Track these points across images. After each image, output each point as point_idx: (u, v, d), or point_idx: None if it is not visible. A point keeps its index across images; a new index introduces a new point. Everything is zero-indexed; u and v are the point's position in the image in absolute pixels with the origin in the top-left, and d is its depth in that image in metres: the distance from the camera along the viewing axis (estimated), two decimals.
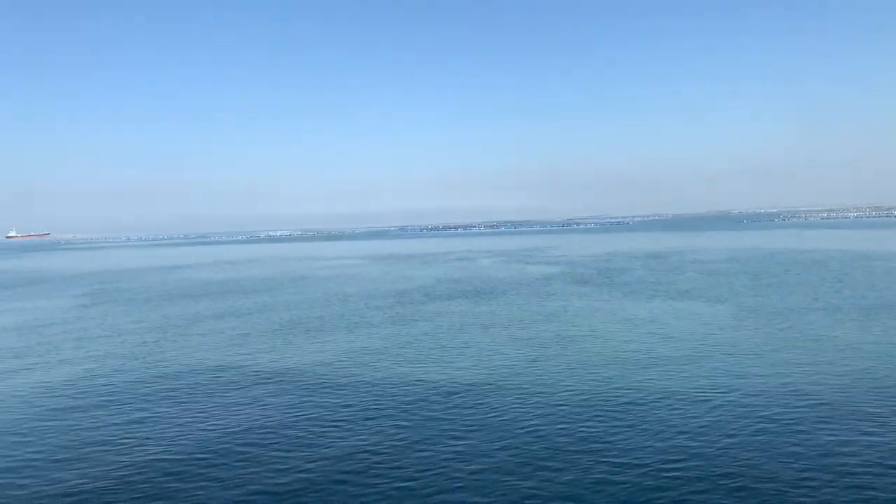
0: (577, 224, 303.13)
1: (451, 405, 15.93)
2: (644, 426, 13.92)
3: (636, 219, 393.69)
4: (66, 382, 19.83)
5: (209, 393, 18.10)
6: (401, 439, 13.42)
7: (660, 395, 16.21)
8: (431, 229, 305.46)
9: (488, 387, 17.62)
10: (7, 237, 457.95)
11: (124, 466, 12.56)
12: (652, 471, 11.55)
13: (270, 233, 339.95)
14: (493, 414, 15.28)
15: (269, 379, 19.43)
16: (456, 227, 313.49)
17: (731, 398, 15.85)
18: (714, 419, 14.27)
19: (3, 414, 16.66)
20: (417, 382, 18.19)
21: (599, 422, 14.32)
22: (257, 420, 15.22)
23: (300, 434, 14.07)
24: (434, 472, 11.71)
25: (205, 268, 78.18)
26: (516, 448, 12.78)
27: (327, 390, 17.83)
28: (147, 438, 14.26)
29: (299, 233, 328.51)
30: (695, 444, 12.75)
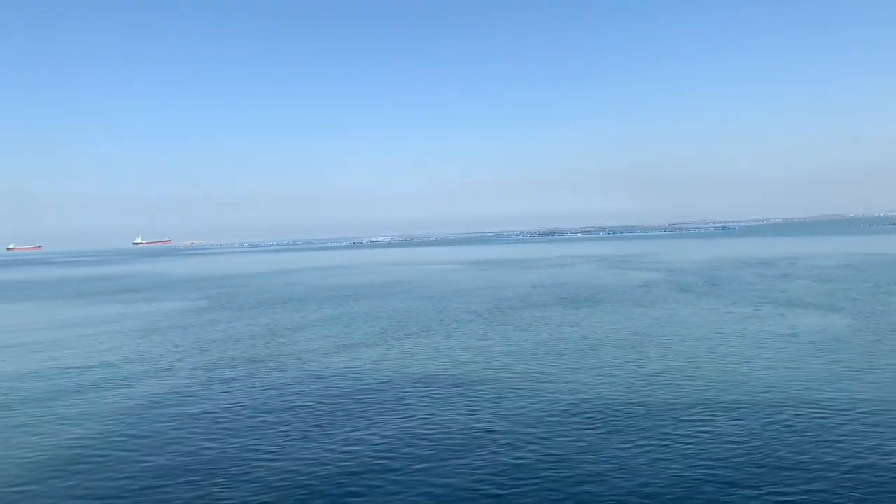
0: (679, 229, 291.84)
1: (576, 419, 15.71)
2: (760, 456, 12.75)
3: (741, 223, 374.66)
4: (188, 386, 21.29)
5: (330, 401, 18.29)
6: (545, 455, 13.04)
7: (778, 423, 14.96)
8: (527, 234, 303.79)
9: (598, 399, 17.34)
10: (134, 244, 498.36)
11: (274, 475, 12.70)
12: None
13: (372, 239, 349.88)
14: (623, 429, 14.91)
15: (384, 385, 19.59)
16: (552, 233, 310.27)
17: (855, 425, 14.91)
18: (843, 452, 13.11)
19: (139, 418, 17.92)
20: (537, 392, 17.99)
21: (712, 441, 13.67)
22: (394, 429, 15.15)
23: (442, 446, 13.88)
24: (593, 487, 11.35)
25: (310, 272, 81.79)
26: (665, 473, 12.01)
27: (439, 398, 17.85)
28: (279, 447, 14.53)
29: (398, 238, 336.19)
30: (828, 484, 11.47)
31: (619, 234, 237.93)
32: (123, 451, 14.51)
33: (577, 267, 71.30)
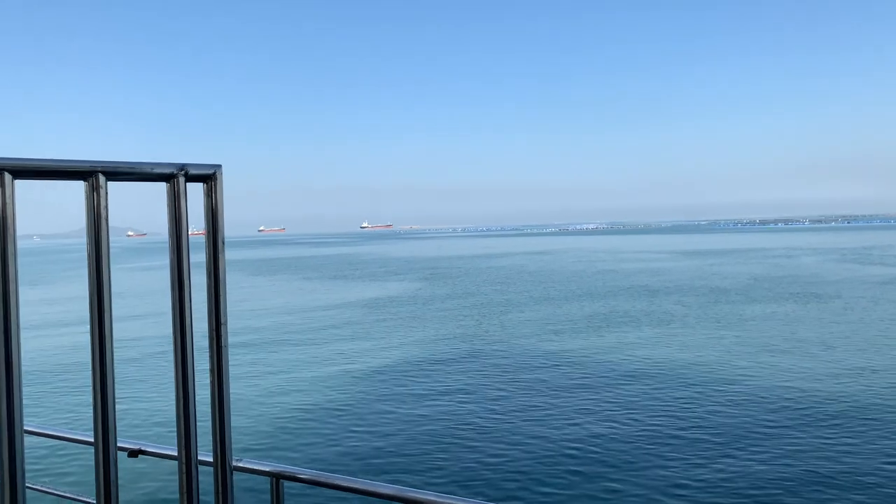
0: None
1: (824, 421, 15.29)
2: None
3: None
4: (411, 363, 24.58)
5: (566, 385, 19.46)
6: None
7: None
8: (746, 223, 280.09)
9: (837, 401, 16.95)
10: (361, 227, 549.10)
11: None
12: None
13: (578, 226, 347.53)
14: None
15: (605, 375, 20.37)
16: (776, 222, 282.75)
17: None
18: None
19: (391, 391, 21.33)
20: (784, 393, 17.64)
21: None
22: (636, 420, 15.18)
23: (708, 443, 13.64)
24: None
25: (519, 256, 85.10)
26: None
27: (652, 393, 18.03)
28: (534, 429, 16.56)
29: (606, 226, 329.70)
30: None
31: (855, 225, 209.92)
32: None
33: (806, 259, 65.80)
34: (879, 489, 11.03)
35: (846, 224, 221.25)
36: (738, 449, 13.05)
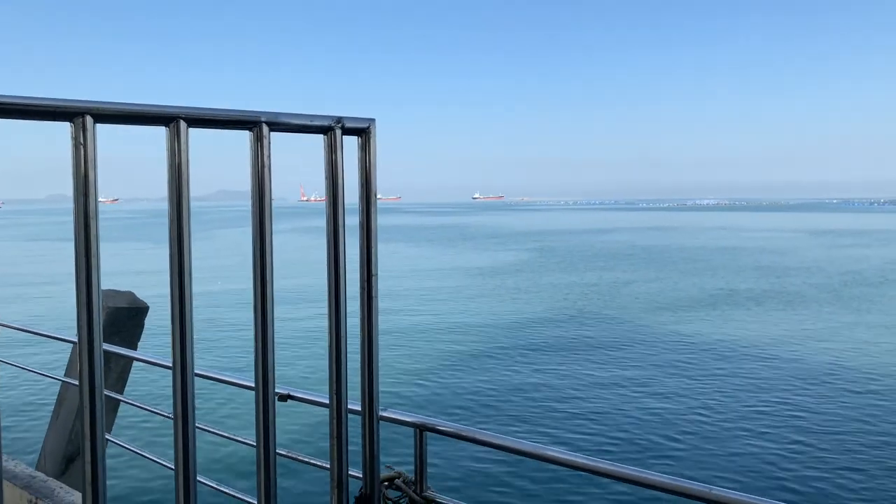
0: None
1: None
2: None
3: None
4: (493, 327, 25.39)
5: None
6: None
7: None
8: (883, 203, 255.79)
9: None
10: (473, 198, 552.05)
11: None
12: None
13: (697, 201, 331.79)
14: None
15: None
16: None
17: None
18: None
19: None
20: None
21: None
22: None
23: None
24: None
25: (630, 231, 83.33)
26: None
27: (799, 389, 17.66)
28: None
29: (726, 202, 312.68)
30: None
31: None
32: None
33: None
34: None
35: None
36: (861, 443, 12.57)
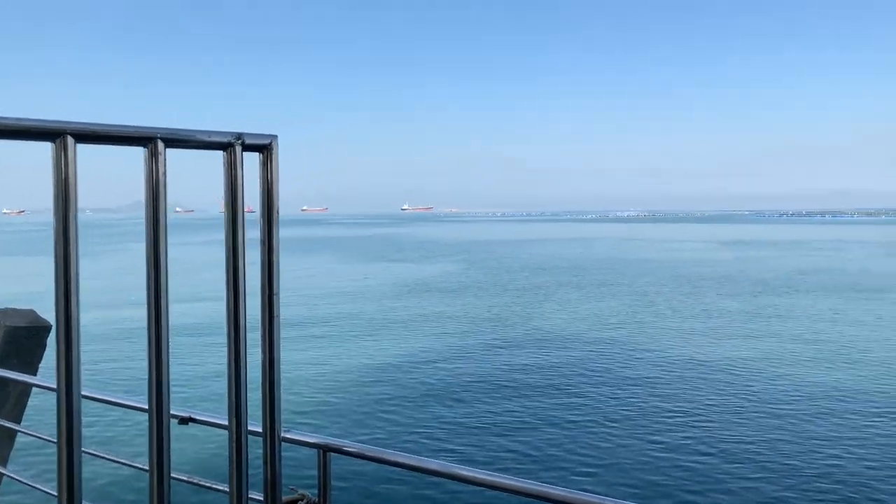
0: None
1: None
2: None
3: None
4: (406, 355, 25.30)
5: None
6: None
7: None
8: (792, 215, 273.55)
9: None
10: (402, 209, 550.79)
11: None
12: None
13: (618, 213, 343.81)
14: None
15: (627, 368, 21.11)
16: (822, 214, 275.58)
17: None
18: None
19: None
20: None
21: None
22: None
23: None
24: None
25: (556, 243, 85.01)
26: None
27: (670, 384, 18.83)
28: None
29: (646, 213, 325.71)
30: None
31: None
32: None
33: (855, 252, 64.56)
34: None
35: None
36: (764, 450, 13.04)
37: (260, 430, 1.94)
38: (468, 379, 18.05)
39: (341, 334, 24.64)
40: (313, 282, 41.34)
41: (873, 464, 12.04)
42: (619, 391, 16.72)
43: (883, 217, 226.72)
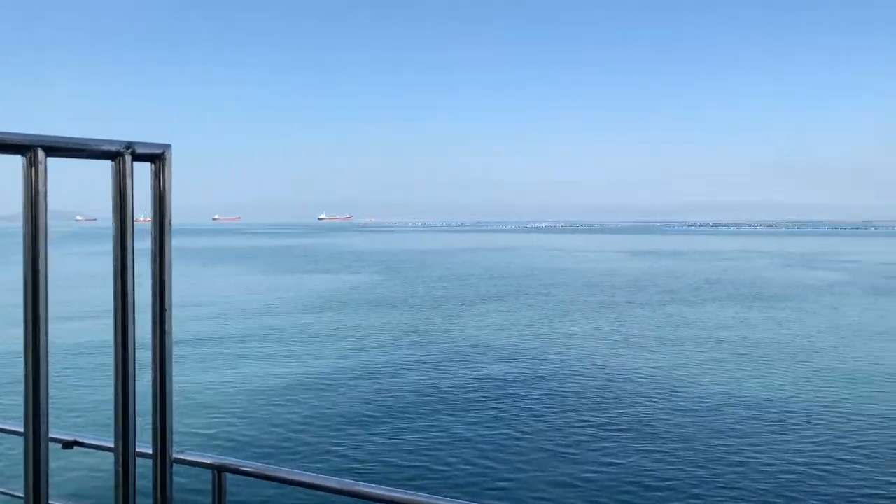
0: (876, 227, 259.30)
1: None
2: None
3: None
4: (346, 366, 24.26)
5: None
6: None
7: None
8: (699, 226, 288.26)
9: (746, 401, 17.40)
10: (319, 219, 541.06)
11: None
12: None
13: (536, 223, 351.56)
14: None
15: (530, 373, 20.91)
16: (728, 225, 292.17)
17: None
18: None
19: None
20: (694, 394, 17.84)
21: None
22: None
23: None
24: None
25: (476, 252, 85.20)
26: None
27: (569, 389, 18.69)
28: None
29: (560, 224, 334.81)
30: None
31: (804, 230, 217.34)
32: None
33: (756, 262, 67.63)
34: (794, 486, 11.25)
35: (796, 230, 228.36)
36: (666, 442, 13.29)
37: (150, 451, 1.88)
38: (377, 395, 17.21)
39: (248, 350, 23.18)
40: (221, 295, 39.01)
41: (774, 462, 12.12)
42: (531, 403, 16.33)
43: (783, 229, 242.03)
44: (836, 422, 14.73)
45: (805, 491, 11.17)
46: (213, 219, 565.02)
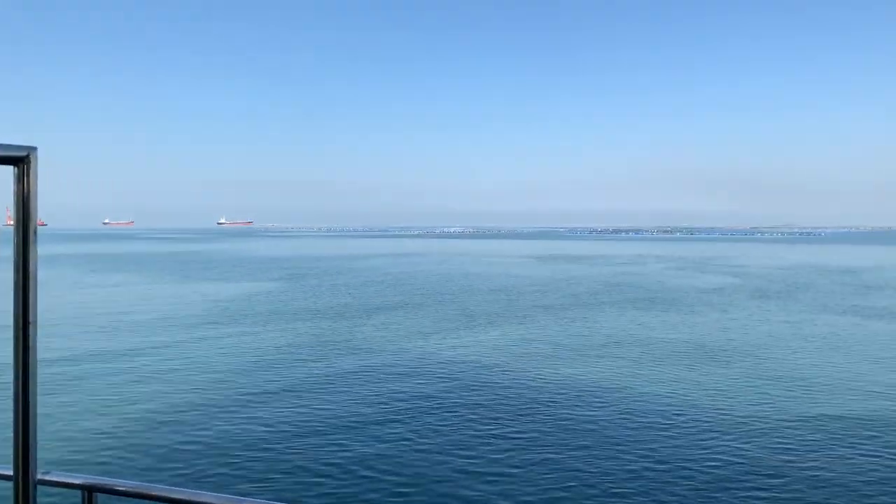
0: (762, 233, 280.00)
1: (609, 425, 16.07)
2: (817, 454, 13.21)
3: (827, 230, 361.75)
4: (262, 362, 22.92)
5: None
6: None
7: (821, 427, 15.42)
8: (600, 232, 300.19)
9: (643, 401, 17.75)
10: (218, 223, 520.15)
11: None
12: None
13: (444, 229, 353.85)
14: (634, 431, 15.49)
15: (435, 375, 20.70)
16: (627, 231, 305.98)
17: None
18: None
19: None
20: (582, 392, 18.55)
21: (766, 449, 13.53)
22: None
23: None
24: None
25: (386, 258, 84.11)
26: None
27: (471, 389, 18.68)
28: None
29: (469, 230, 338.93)
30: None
31: (697, 236, 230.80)
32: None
33: (652, 266, 70.39)
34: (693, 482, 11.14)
35: (689, 235, 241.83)
36: (556, 441, 13.25)
37: (10, 473, 1.81)
38: (273, 413, 15.96)
39: (131, 367, 21.16)
40: (104, 305, 35.86)
41: (676, 461, 12.23)
42: (432, 415, 15.68)
43: (677, 234, 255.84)
44: (724, 418, 15.03)
45: (695, 488, 11.12)
46: (104, 223, 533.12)
